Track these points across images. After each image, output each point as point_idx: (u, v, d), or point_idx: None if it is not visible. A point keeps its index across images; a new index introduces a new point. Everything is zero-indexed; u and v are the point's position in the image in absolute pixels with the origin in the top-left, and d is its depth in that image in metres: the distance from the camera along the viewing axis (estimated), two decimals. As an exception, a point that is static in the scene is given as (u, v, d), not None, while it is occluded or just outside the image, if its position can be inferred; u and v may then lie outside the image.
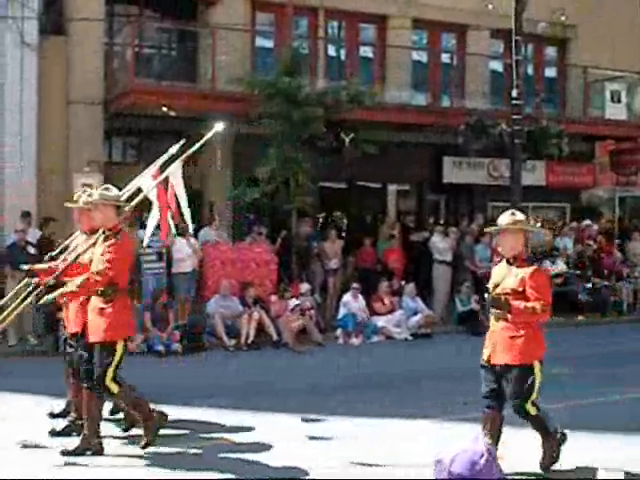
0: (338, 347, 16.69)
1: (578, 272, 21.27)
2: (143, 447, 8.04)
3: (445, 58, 23.98)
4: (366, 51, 23.68)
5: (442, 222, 22.23)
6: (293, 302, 17.02)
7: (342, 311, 17.53)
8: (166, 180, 9.26)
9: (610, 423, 9.26)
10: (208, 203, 20.27)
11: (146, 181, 9.36)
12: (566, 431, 7.69)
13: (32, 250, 15.46)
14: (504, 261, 7.64)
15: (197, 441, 8.68)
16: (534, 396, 7.34)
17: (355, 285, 17.95)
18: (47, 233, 16.00)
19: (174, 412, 9.97)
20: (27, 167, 18.38)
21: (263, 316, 16.46)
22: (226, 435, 8.98)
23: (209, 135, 9.54)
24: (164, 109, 18.88)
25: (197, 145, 9.43)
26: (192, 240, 17.02)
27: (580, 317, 20.43)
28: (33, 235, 16.12)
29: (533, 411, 7.39)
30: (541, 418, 7.50)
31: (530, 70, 24.89)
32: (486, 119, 19.85)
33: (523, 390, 7.29)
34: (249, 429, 9.24)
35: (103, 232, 8.20)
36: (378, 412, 10.03)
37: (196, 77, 20.76)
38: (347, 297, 17.73)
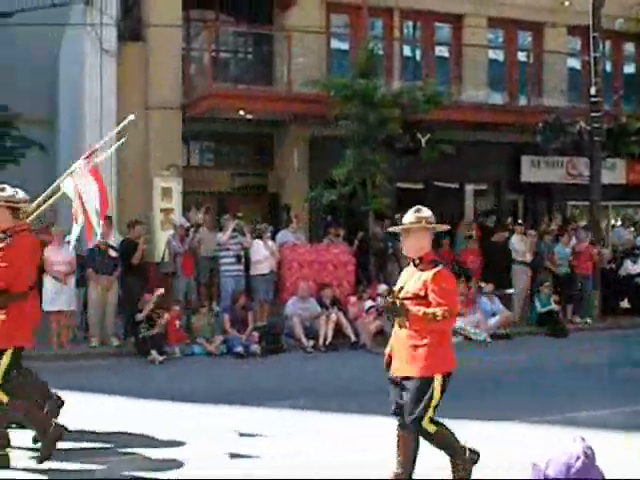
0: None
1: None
2: (39, 462, 7.58)
3: (522, 56, 23.77)
4: (442, 51, 23.57)
5: (520, 222, 22.00)
6: (368, 303, 16.98)
7: (420, 312, 17.40)
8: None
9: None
10: (284, 205, 20.38)
11: (70, 179, 8.45)
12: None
13: (113, 253, 15.69)
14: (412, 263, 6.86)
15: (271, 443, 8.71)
16: (430, 413, 6.52)
17: (431, 285, 17.80)
18: (133, 236, 16.21)
19: (252, 413, 10.07)
20: (107, 172, 18.65)
21: (341, 317, 16.46)
22: (303, 436, 9.00)
23: (120, 126, 9.07)
24: (241, 112, 19.04)
25: (106, 138, 9.17)
26: (270, 242, 17.14)
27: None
28: (114, 239, 16.36)
29: (431, 429, 6.57)
30: (442, 435, 6.66)
31: (608, 67, 24.51)
32: (564, 117, 19.61)
33: (419, 406, 6.50)
34: (325, 431, 9.24)
35: None
36: (456, 414, 9.90)
37: (272, 80, 20.90)
38: (424, 297, 17.59)
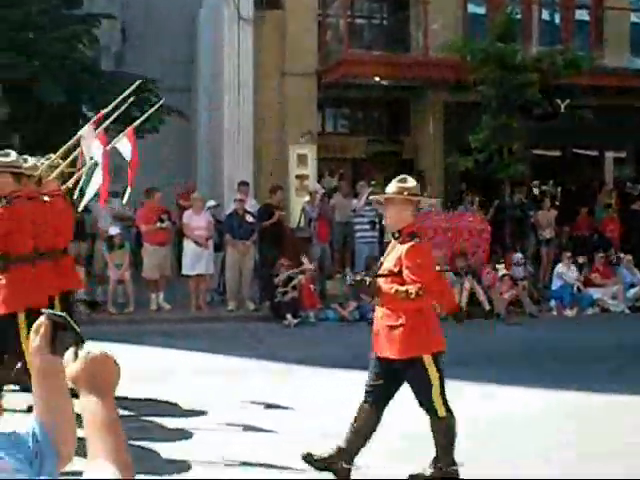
0: (552, 319, 16.36)
1: None
2: None
3: (667, 20, 22.85)
4: (582, 14, 22.86)
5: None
6: (502, 271, 16.77)
7: (556, 282, 17.13)
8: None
9: None
10: (419, 172, 20.26)
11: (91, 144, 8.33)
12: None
13: (250, 219, 15.93)
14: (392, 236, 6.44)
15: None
16: (436, 392, 6.08)
17: (568, 255, 17.49)
18: (275, 202, 16.37)
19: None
20: (244, 138, 18.97)
21: (475, 286, 16.32)
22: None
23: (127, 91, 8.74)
24: (376, 79, 18.99)
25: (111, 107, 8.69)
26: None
27: None
28: (251, 204, 16.62)
29: (441, 412, 6.10)
30: (448, 426, 6.18)
31: None
32: None
33: (422, 387, 6.11)
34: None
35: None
36: (596, 387, 9.74)
37: (408, 46, 20.72)
38: (561, 267, 17.30)
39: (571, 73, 18.03)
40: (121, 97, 8.60)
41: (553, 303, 16.89)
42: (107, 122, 8.56)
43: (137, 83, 8.74)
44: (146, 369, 9.82)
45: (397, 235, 6.27)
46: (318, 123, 20.53)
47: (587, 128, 19.24)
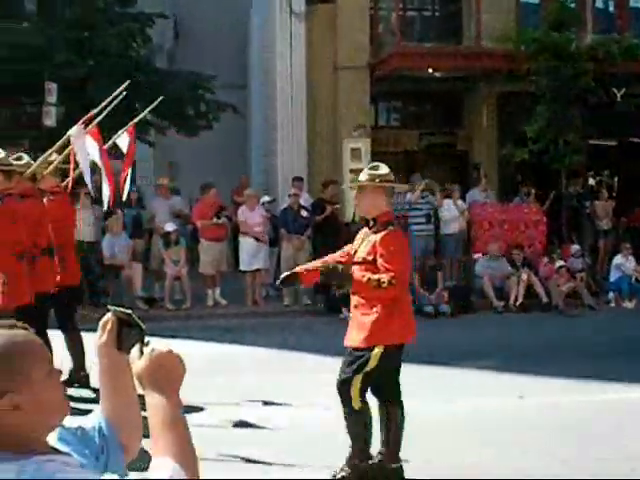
0: (611, 310, 16.16)
1: None
2: None
3: None
4: (637, 1, 22.49)
5: None
6: (559, 263, 16.60)
7: (615, 273, 16.90)
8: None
9: None
10: (473, 164, 20.14)
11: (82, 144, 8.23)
12: None
13: (305, 214, 15.95)
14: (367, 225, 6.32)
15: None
16: (359, 381, 5.98)
17: (627, 246, 17.25)
18: (328, 196, 16.34)
19: (440, 372, 10.08)
20: (298, 133, 19.01)
21: (532, 278, 16.17)
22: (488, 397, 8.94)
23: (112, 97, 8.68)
24: (429, 71, 18.90)
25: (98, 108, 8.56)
26: (459, 202, 17.00)
27: None
28: (305, 199, 16.63)
29: (357, 404, 6.00)
30: (360, 419, 6.07)
31: None
32: None
33: (349, 371, 6.02)
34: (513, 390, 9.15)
35: None
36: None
37: (460, 37, 20.59)
38: (619, 259, 17.07)
39: (626, 61, 17.78)
40: (111, 97, 8.59)
41: (611, 295, 16.68)
42: (95, 121, 8.43)
43: (124, 85, 8.68)
44: (208, 363, 9.88)
45: (372, 223, 6.18)
46: (371, 117, 20.48)
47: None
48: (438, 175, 18.46)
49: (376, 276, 5.86)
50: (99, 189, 8.91)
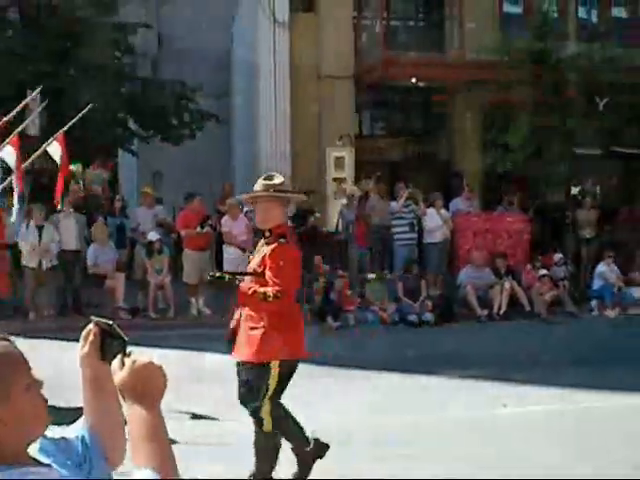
0: (594, 319, 16.21)
1: None
2: None
3: None
4: (619, 11, 22.67)
5: None
6: (542, 271, 16.66)
7: (597, 281, 16.98)
8: None
9: None
10: (456, 173, 20.17)
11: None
12: None
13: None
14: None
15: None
16: (266, 403, 5.92)
17: (610, 254, 17.32)
18: (305, 206, 16.35)
19: (424, 381, 10.06)
20: (282, 141, 19.00)
21: (515, 286, 16.22)
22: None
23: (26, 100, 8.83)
24: (413, 80, 18.94)
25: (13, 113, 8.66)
26: (443, 211, 17.04)
27: None
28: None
29: (267, 420, 5.94)
30: (281, 424, 6.04)
31: None
32: None
33: (255, 391, 5.94)
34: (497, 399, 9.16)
35: None
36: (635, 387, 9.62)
37: (443, 47, 20.63)
38: (602, 267, 17.14)
39: (609, 70, 17.86)
40: (21, 105, 8.55)
41: (594, 303, 16.74)
42: (17, 131, 8.45)
43: (34, 93, 8.65)
44: (191, 372, 9.85)
45: (268, 234, 6.07)
46: (355, 126, 20.50)
47: (629, 126, 19.01)
48: (422, 184, 18.47)
49: (262, 289, 5.80)
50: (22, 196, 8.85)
